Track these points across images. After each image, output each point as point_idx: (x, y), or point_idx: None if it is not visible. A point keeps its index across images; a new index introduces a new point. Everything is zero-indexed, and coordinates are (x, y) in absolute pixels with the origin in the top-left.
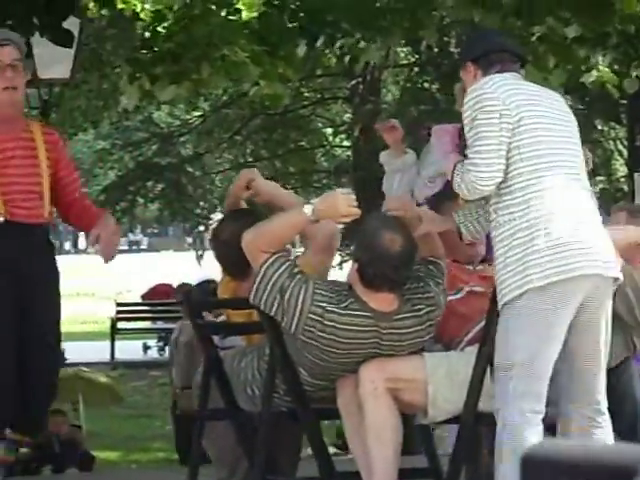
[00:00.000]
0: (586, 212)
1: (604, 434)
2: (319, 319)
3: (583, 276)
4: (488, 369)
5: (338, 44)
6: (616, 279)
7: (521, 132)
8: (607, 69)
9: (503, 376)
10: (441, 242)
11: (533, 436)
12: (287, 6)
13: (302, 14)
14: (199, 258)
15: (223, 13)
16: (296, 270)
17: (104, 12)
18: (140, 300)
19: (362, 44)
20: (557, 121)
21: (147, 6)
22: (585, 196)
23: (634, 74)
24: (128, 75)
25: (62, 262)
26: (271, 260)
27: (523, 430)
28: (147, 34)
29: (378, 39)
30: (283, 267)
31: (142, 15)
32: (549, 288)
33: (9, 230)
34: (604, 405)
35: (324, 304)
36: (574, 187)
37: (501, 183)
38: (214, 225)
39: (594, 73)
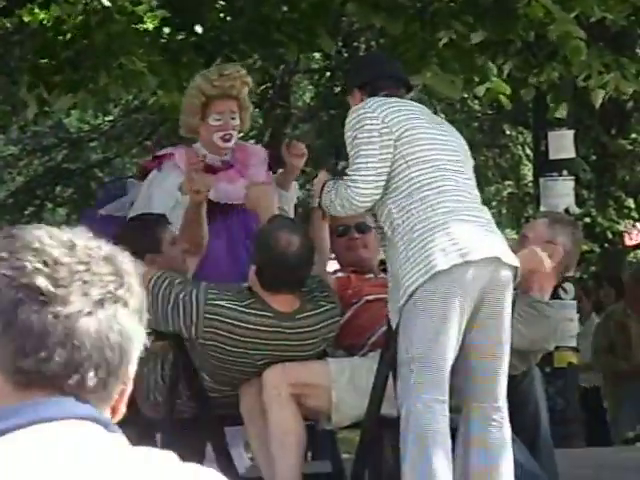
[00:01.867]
0: (480, 212)
1: (502, 433)
2: (217, 317)
3: (485, 260)
4: (390, 374)
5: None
6: (516, 268)
7: (404, 144)
8: (499, 80)
9: (405, 371)
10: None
11: (438, 423)
12: (187, 24)
13: (199, 33)
14: None
15: (124, 20)
16: (180, 279)
17: (7, 23)
18: None
19: (258, 64)
20: (441, 132)
21: (49, 14)
22: (478, 202)
23: (532, 81)
24: (27, 84)
25: None
26: (152, 281)
27: (427, 417)
28: (46, 44)
29: (275, 54)
30: (166, 281)
31: (46, 22)
32: (453, 272)
33: None
34: (503, 403)
35: (221, 302)
36: (467, 190)
37: (393, 192)
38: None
39: (486, 85)
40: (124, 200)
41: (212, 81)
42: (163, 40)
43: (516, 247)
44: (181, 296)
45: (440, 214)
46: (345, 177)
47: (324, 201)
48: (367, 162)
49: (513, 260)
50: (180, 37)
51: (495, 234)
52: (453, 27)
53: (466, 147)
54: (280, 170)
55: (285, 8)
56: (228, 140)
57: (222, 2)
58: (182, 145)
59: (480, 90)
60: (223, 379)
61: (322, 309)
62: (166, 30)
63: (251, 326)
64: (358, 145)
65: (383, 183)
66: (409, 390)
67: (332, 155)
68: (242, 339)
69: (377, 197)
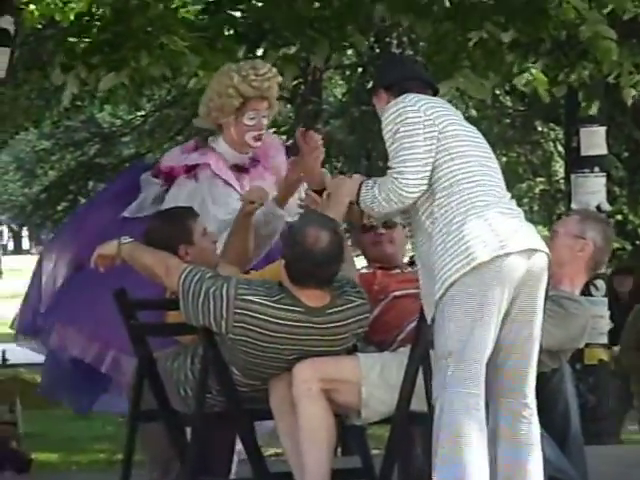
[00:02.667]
0: (513, 205)
1: (530, 430)
2: (247, 312)
3: (521, 252)
4: (420, 369)
5: (280, 52)
6: (548, 257)
7: (447, 137)
8: (539, 73)
9: (441, 364)
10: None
11: (472, 417)
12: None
13: (241, 21)
14: None
15: (160, 7)
16: (211, 273)
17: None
18: None
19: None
20: (472, 130)
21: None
22: (508, 196)
23: (562, 80)
24: (61, 65)
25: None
26: (183, 276)
27: (461, 412)
28: (80, 26)
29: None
30: (197, 276)
31: (79, 6)
32: (493, 263)
33: None
34: (532, 399)
35: (250, 297)
36: (501, 184)
37: (434, 184)
38: (148, 225)
39: (526, 76)
40: (141, 199)
41: (250, 81)
42: (202, 23)
43: (547, 242)
44: (212, 290)
45: (478, 207)
46: (389, 171)
47: (364, 201)
48: (412, 153)
49: (546, 249)
50: (219, 21)
51: (528, 226)
52: (484, 27)
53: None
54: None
55: (317, 5)
56: (259, 140)
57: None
58: (208, 150)
59: (521, 80)
60: (253, 374)
61: (353, 304)
62: (204, 16)
63: (282, 321)
64: (401, 138)
65: (429, 174)
66: (444, 384)
67: (363, 156)
68: (272, 334)
69: (424, 188)
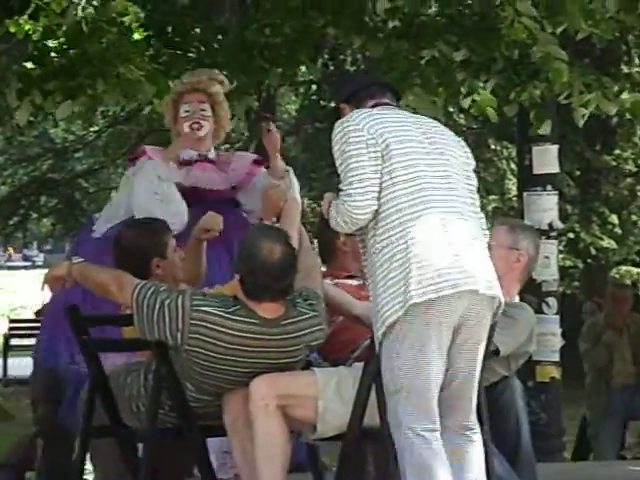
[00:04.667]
0: (466, 232)
1: (474, 448)
2: (202, 323)
3: (461, 292)
4: (374, 386)
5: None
6: (494, 298)
7: (390, 157)
8: (486, 93)
9: (392, 403)
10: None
11: (433, 450)
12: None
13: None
14: None
15: (115, 30)
16: (165, 287)
17: None
18: (34, 317)
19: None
20: (432, 145)
21: (38, 27)
22: (467, 217)
23: (513, 99)
24: (16, 91)
25: None
26: (137, 290)
27: (420, 447)
28: (36, 52)
29: (256, 80)
30: (151, 289)
31: (33, 36)
32: (429, 305)
33: None
34: (474, 421)
35: (207, 308)
36: (454, 208)
37: (377, 209)
38: (117, 231)
39: (474, 97)
40: (101, 221)
41: (182, 80)
42: (152, 52)
43: None
44: (167, 303)
45: (420, 244)
46: (340, 193)
47: (331, 222)
48: (359, 174)
49: (495, 292)
50: (169, 52)
51: (482, 261)
52: (436, 46)
53: (465, 157)
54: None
55: (268, 32)
56: (197, 129)
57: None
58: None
59: (466, 102)
60: (207, 388)
61: (306, 316)
62: (155, 43)
63: (237, 333)
64: (348, 158)
65: (377, 194)
66: (399, 422)
67: (332, 173)
68: (228, 346)
69: (375, 207)
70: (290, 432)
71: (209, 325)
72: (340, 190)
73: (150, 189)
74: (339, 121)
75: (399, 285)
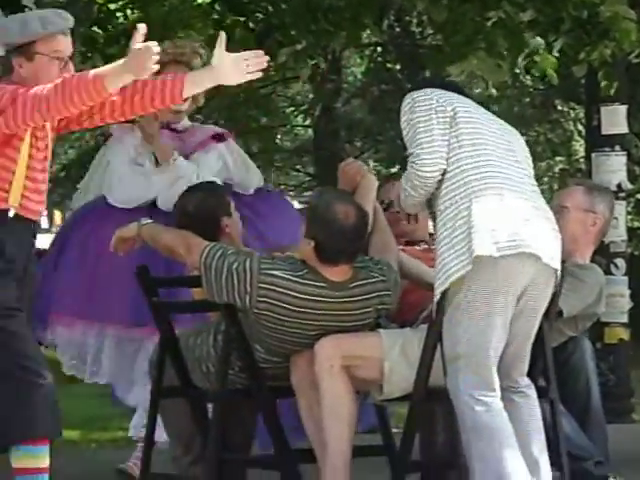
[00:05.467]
0: (531, 201)
1: (531, 403)
2: (271, 287)
3: (527, 256)
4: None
5: (284, 50)
6: (556, 271)
7: (458, 123)
8: (547, 54)
9: (451, 368)
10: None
11: (493, 416)
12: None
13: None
14: None
15: None
16: (233, 250)
17: None
18: None
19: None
20: (497, 123)
21: None
22: (531, 189)
23: (582, 59)
24: (80, 54)
25: None
26: (205, 252)
27: (480, 413)
28: (101, 14)
29: (321, 43)
30: (219, 252)
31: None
32: (494, 264)
33: (20, 226)
34: (527, 378)
35: (275, 272)
36: (519, 178)
37: (443, 171)
38: (178, 198)
39: (535, 58)
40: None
41: (165, 50)
42: (216, 17)
43: (555, 218)
44: (235, 266)
45: (485, 204)
46: (409, 157)
47: (401, 200)
48: (427, 136)
49: (557, 264)
50: (232, 17)
51: (545, 227)
52: (502, 7)
53: (527, 150)
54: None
55: None
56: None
57: None
58: None
59: (524, 63)
60: (276, 350)
61: (373, 280)
62: (218, 7)
63: (305, 296)
64: (415, 124)
65: (445, 155)
66: (458, 388)
67: (398, 136)
68: (296, 309)
69: (443, 166)
70: (357, 393)
71: (277, 289)
72: (408, 157)
73: (130, 160)
74: (407, 94)
75: (464, 243)
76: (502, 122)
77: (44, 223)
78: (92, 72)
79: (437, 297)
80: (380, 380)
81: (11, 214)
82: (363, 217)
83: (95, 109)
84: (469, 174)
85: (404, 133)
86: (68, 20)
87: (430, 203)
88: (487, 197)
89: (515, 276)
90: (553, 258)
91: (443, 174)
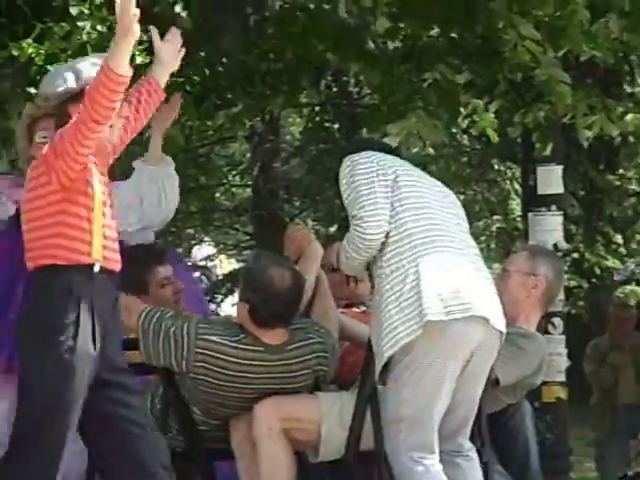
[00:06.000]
0: (475, 264)
1: (474, 466)
2: (208, 352)
3: (475, 319)
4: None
5: (221, 112)
6: (501, 333)
7: (400, 187)
8: (486, 114)
9: (392, 429)
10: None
11: (429, 477)
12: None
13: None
14: None
15: None
16: (171, 313)
17: None
18: None
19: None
20: (437, 186)
21: (41, 50)
22: (473, 251)
23: (517, 121)
24: (19, 114)
25: None
26: (143, 315)
27: (418, 475)
28: (39, 76)
29: (259, 105)
30: (157, 315)
31: (37, 59)
32: (447, 327)
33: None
34: (467, 445)
35: (212, 337)
36: (462, 240)
37: (386, 234)
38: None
39: (474, 118)
40: None
41: (37, 103)
42: None
43: (498, 282)
44: (172, 330)
45: (432, 268)
46: (351, 220)
47: (342, 263)
48: (370, 198)
49: (502, 327)
50: (170, 79)
51: (488, 289)
52: (438, 69)
53: (457, 201)
54: None
55: (269, 57)
56: None
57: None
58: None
59: (465, 123)
60: (214, 413)
61: (311, 340)
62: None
63: (242, 361)
64: (357, 187)
65: (388, 217)
66: (398, 449)
67: (336, 195)
68: (234, 374)
69: (387, 229)
70: (296, 454)
71: (214, 354)
72: (347, 217)
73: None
74: (347, 157)
75: (413, 307)
76: (440, 184)
77: None
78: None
79: (384, 360)
80: (317, 442)
81: (96, 269)
82: (298, 281)
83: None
84: (415, 238)
85: (344, 196)
86: None
87: (369, 266)
88: (434, 261)
89: (464, 340)
90: (499, 321)
91: (386, 236)
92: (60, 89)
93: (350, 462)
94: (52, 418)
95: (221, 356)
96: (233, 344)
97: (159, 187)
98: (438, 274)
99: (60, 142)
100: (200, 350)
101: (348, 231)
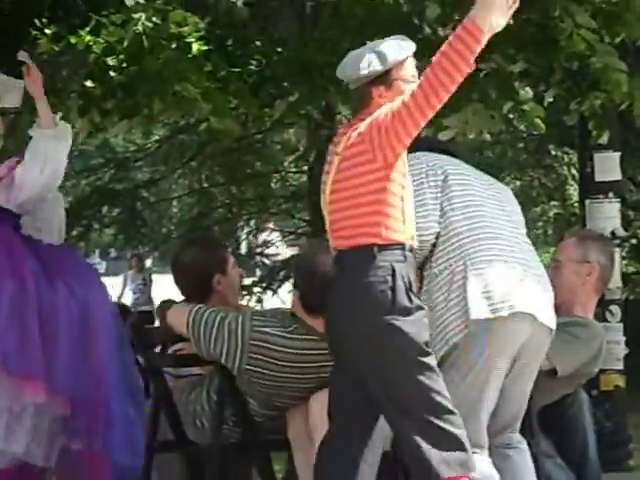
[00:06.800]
0: (525, 259)
1: (525, 457)
2: (264, 345)
3: (522, 316)
4: None
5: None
6: (551, 330)
7: (449, 185)
8: (538, 105)
9: None
10: None
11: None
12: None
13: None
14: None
15: (174, 46)
16: (220, 310)
17: (56, 47)
18: None
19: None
20: (489, 182)
21: (99, 39)
22: (524, 246)
23: (573, 109)
24: (78, 108)
25: None
26: (193, 312)
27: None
28: (96, 69)
29: (316, 97)
30: (208, 311)
31: (94, 47)
32: (494, 324)
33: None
34: (516, 438)
35: (266, 329)
36: (512, 237)
37: (436, 235)
38: (175, 250)
39: (523, 107)
40: None
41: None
42: (211, 68)
43: (551, 273)
44: (226, 322)
45: (479, 267)
46: None
47: None
48: (419, 200)
49: (552, 323)
50: (227, 69)
51: (537, 285)
52: (494, 59)
53: (510, 196)
54: None
55: (326, 49)
56: None
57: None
58: None
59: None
60: (270, 404)
61: None
62: (213, 58)
63: (297, 351)
64: None
65: (438, 218)
66: None
67: None
68: (289, 364)
69: (437, 230)
70: None
71: (270, 345)
72: None
73: None
74: None
75: (460, 306)
76: (493, 181)
77: None
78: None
79: (436, 361)
80: None
81: (408, 247)
82: None
83: None
84: (463, 237)
85: None
86: (411, 44)
87: (420, 266)
88: (481, 259)
89: (511, 337)
90: (548, 317)
91: (436, 237)
92: (364, 72)
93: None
94: None
95: (276, 347)
96: (287, 335)
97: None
98: (485, 273)
99: (390, 119)
100: (255, 342)
101: None
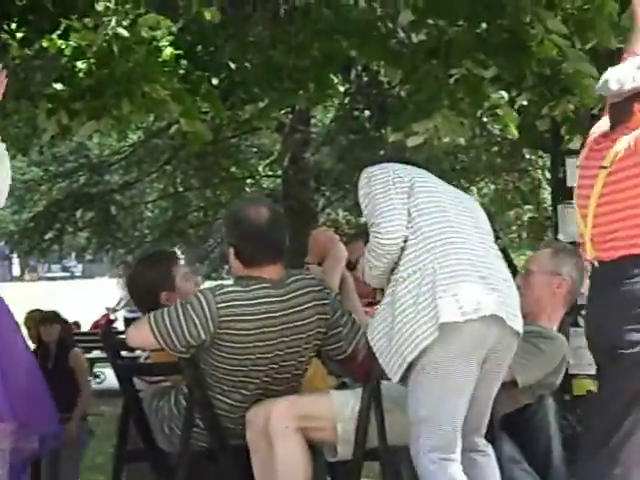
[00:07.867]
0: (492, 263)
1: (491, 462)
2: (231, 318)
3: (491, 319)
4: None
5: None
6: (518, 334)
7: (416, 192)
8: (511, 109)
9: (413, 430)
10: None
11: (448, 478)
12: (200, 60)
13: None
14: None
15: (144, 49)
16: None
17: (27, 52)
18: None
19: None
20: (454, 192)
21: (70, 43)
22: (492, 251)
23: (545, 113)
24: (46, 110)
25: None
26: (152, 316)
27: (438, 475)
28: (65, 72)
29: (285, 100)
30: (166, 309)
31: (66, 51)
32: (463, 328)
33: None
34: (482, 442)
35: (231, 301)
36: (480, 242)
37: (405, 239)
38: (132, 271)
39: (498, 112)
40: None
41: None
42: (182, 71)
43: (521, 281)
44: (189, 305)
45: (447, 269)
46: (371, 229)
47: (366, 274)
48: (387, 205)
49: (519, 327)
50: (197, 73)
51: (505, 289)
52: (465, 65)
53: (477, 206)
54: None
55: (295, 54)
56: None
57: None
58: None
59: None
60: (238, 389)
61: (308, 277)
62: (184, 62)
63: (256, 301)
64: (374, 196)
65: (406, 222)
66: (418, 450)
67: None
68: (254, 319)
69: (405, 234)
70: (313, 453)
71: (236, 317)
72: (369, 229)
73: None
74: (363, 170)
75: (429, 309)
76: (457, 190)
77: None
78: None
79: (405, 365)
80: (334, 441)
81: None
82: (277, 213)
83: None
84: (431, 241)
85: (363, 207)
86: None
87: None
88: (450, 263)
89: (480, 340)
90: (515, 320)
91: (405, 241)
92: (628, 86)
93: (358, 458)
94: None
95: (242, 310)
96: (246, 294)
97: None
98: (454, 276)
99: None
100: (223, 318)
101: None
